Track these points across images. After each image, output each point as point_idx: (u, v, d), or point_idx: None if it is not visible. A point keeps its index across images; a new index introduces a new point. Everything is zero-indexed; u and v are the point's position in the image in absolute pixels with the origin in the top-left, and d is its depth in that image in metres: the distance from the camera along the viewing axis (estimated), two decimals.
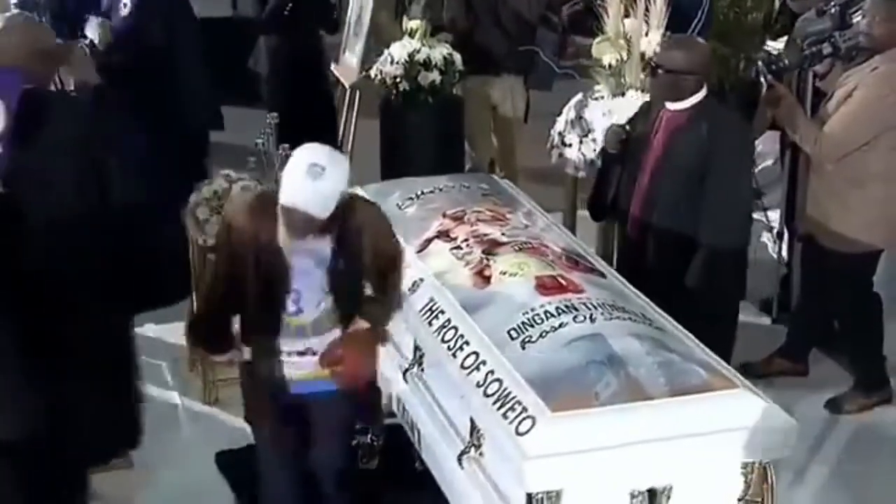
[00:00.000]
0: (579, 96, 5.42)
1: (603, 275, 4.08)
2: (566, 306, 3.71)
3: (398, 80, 6.00)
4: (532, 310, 3.73)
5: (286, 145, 5.76)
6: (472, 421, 3.65)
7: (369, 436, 4.97)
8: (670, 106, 4.50)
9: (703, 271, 4.38)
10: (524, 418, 3.33)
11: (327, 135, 6.48)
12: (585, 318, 3.65)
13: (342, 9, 7.01)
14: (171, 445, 5.02)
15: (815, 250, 5.15)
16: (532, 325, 3.66)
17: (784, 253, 5.97)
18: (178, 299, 5.17)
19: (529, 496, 3.29)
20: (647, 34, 5.26)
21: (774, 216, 7.01)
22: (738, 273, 4.60)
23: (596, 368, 3.44)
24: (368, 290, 3.80)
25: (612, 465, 3.32)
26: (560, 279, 3.88)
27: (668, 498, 3.38)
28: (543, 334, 3.61)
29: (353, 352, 3.69)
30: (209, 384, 5.32)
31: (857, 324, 5.26)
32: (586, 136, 5.24)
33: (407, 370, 4.11)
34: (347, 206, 3.60)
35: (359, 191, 4.24)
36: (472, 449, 3.63)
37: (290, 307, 3.72)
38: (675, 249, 4.45)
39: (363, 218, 3.70)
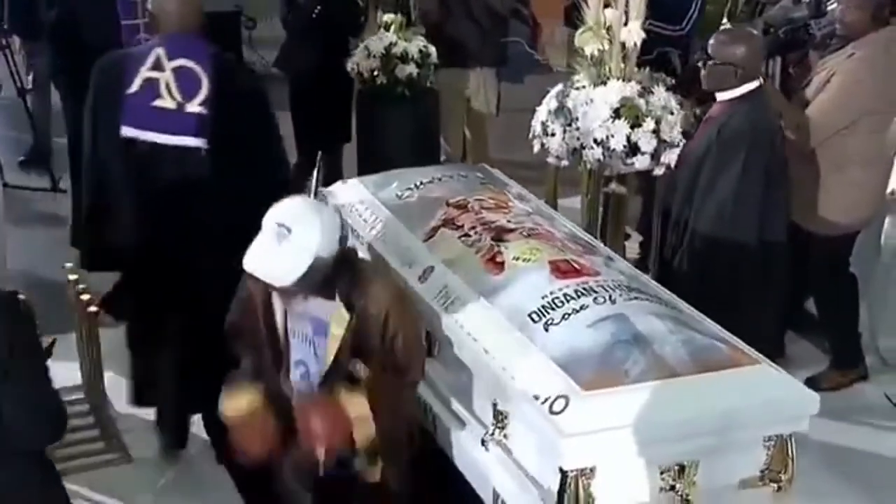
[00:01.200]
0: (560, 86, 5.49)
1: (611, 258, 4.17)
2: (584, 289, 3.78)
3: (375, 73, 6.03)
4: (551, 293, 3.79)
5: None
6: (494, 404, 3.72)
7: None
8: (719, 96, 4.63)
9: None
10: (557, 398, 3.39)
11: (344, 137, 6.53)
12: (605, 299, 3.72)
13: (368, 11, 6.90)
14: None
15: (792, 232, 5.28)
16: (553, 308, 3.73)
17: None
18: None
19: (565, 473, 3.36)
20: (626, 24, 5.34)
21: None
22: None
23: (623, 347, 3.51)
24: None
25: (643, 441, 3.39)
26: (574, 263, 3.95)
27: (696, 472, 3.47)
28: (566, 316, 3.68)
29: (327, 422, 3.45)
30: None
31: (835, 304, 5.41)
32: (570, 125, 5.31)
33: None
34: (346, 266, 3.42)
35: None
36: (497, 431, 3.69)
37: (295, 376, 3.63)
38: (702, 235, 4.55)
39: (370, 284, 3.45)
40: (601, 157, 5.25)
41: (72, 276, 4.83)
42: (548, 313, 3.72)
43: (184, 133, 4.33)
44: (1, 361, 2.94)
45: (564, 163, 5.46)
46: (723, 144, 4.55)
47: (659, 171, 5.30)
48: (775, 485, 3.55)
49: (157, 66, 4.32)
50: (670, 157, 5.24)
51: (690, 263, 4.60)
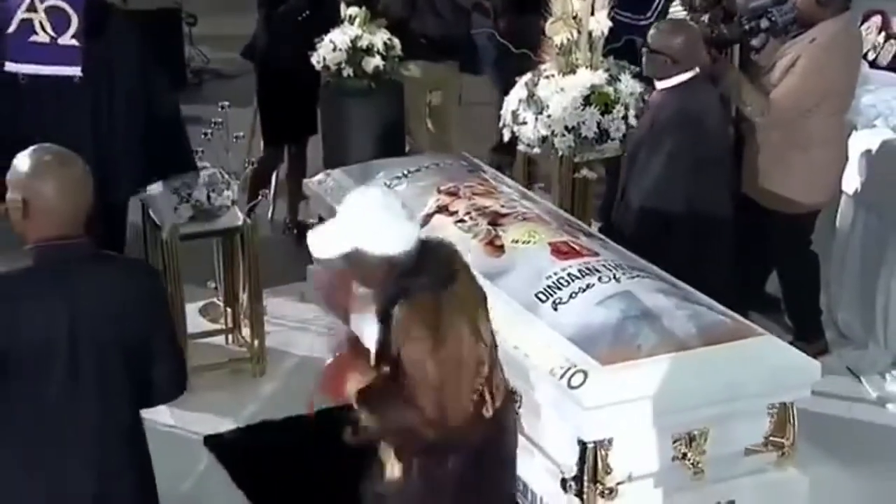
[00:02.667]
0: (528, 76, 5.63)
1: (603, 240, 4.31)
2: (588, 269, 3.93)
3: (341, 66, 6.10)
4: (555, 273, 3.93)
5: (240, 133, 5.86)
6: None
7: None
8: (656, 84, 4.80)
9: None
10: (575, 373, 3.53)
11: (310, 129, 6.58)
12: (610, 278, 3.87)
13: None
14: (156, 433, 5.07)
15: (757, 213, 5.48)
16: (559, 288, 3.86)
17: None
18: None
19: (584, 445, 3.49)
20: (593, 14, 5.48)
21: None
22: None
23: (633, 323, 3.66)
24: None
25: (656, 412, 3.54)
26: (573, 245, 4.09)
27: (706, 440, 3.63)
28: (573, 295, 3.82)
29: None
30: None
31: (799, 281, 5.62)
32: (541, 113, 5.44)
33: None
34: (402, 274, 3.15)
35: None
36: None
37: None
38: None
39: (407, 307, 3.12)
40: (572, 144, 5.39)
41: None
42: (554, 293, 3.85)
43: (59, 63, 4.91)
44: (162, 323, 3.18)
45: (536, 150, 5.59)
46: (655, 131, 4.76)
47: None
48: (778, 450, 3.72)
49: (31, 7, 4.88)
50: None
51: (624, 239, 4.75)
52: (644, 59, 4.87)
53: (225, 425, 5.20)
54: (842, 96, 5.25)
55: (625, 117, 5.37)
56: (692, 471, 3.62)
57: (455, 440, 3.16)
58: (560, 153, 5.49)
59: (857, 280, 5.74)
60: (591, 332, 3.65)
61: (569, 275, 3.90)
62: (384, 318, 3.19)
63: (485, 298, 3.25)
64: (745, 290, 5.70)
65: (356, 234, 3.15)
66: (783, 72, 5.15)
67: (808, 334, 5.66)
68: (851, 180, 5.60)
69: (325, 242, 3.24)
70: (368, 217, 3.17)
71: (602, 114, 5.36)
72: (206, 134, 5.66)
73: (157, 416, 4.88)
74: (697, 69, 4.84)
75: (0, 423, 3.10)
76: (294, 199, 6.89)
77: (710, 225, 4.72)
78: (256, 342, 5.53)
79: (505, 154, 6.71)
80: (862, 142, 5.60)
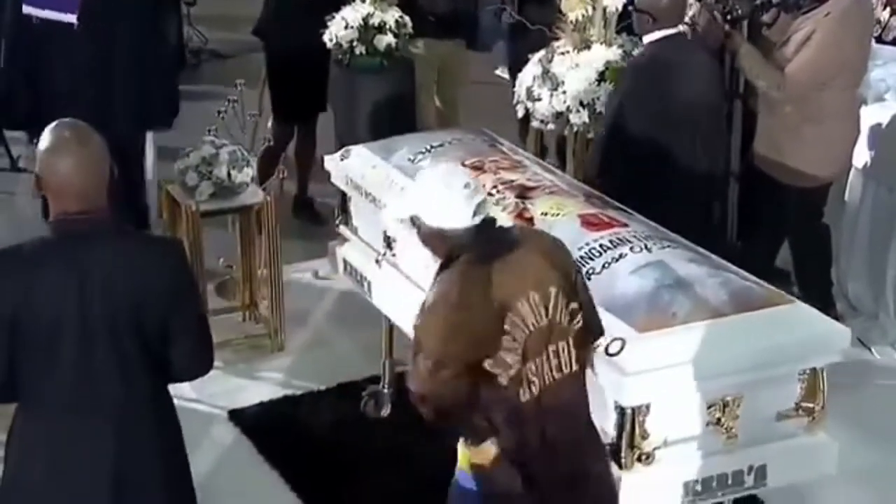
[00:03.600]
0: (542, 52, 5.68)
1: (629, 211, 4.37)
2: (619, 239, 3.99)
3: (353, 43, 6.14)
4: (586, 244, 3.99)
5: (255, 111, 5.91)
6: None
7: (381, 384, 5.19)
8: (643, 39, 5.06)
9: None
10: (612, 340, 3.58)
11: (321, 106, 6.62)
12: (641, 248, 3.93)
13: None
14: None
15: (770, 187, 5.55)
16: (591, 259, 3.92)
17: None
18: None
19: (623, 411, 3.56)
20: None
21: None
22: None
23: (668, 291, 3.73)
24: None
25: (692, 378, 3.60)
26: (602, 216, 4.15)
27: (738, 406, 3.70)
28: (606, 265, 3.88)
29: None
30: None
31: (811, 253, 5.70)
32: (556, 89, 5.51)
33: None
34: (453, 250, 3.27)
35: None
36: None
37: None
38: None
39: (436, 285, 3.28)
40: (587, 120, 5.46)
41: None
42: (587, 263, 3.91)
43: (57, 9, 5.53)
44: (185, 298, 3.22)
45: (551, 126, 5.66)
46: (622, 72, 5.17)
47: None
48: (808, 416, 3.79)
49: None
50: None
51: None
52: (633, 17, 5.09)
53: (248, 400, 5.26)
54: (855, 70, 5.32)
55: None
56: (725, 435, 3.69)
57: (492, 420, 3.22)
58: (575, 129, 5.57)
59: (866, 252, 5.83)
60: (626, 300, 3.71)
61: (600, 245, 3.96)
62: None
63: (557, 282, 3.28)
64: (755, 264, 5.82)
65: (416, 202, 3.30)
66: (798, 46, 5.21)
67: (819, 305, 5.73)
68: (861, 154, 5.68)
69: (395, 205, 3.52)
70: (428, 188, 3.30)
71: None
72: (219, 112, 5.71)
73: (180, 392, 4.96)
74: (680, 28, 5.02)
75: (19, 393, 3.16)
76: (303, 176, 6.93)
77: (671, 183, 4.85)
78: (276, 318, 5.57)
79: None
80: (872, 116, 5.68)
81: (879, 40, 6.33)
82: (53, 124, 3.17)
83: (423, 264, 4.39)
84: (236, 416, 5.15)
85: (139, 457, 3.24)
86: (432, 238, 3.31)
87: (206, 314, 3.45)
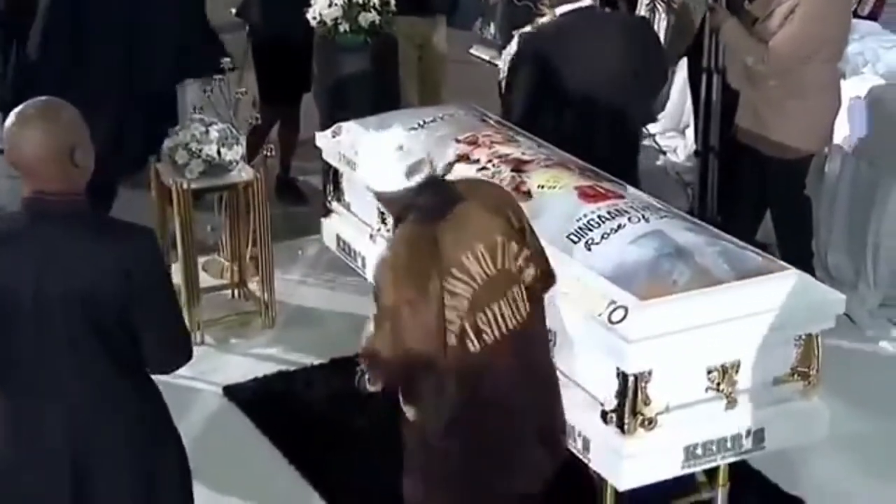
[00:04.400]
0: (527, 28, 5.73)
1: (622, 184, 4.44)
2: (616, 210, 4.05)
3: (337, 21, 6.17)
4: (584, 216, 4.05)
5: (242, 89, 5.93)
6: None
7: None
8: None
9: None
10: (615, 309, 3.66)
11: (306, 86, 6.65)
12: (639, 218, 4.00)
13: None
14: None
15: (752, 160, 5.64)
16: (590, 230, 3.99)
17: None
18: None
19: (626, 377, 3.64)
20: None
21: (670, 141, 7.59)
22: None
23: (667, 260, 3.80)
24: None
25: (692, 345, 3.69)
26: (598, 188, 4.21)
27: (737, 371, 3.78)
28: (605, 236, 3.95)
29: None
30: (196, 325, 5.46)
31: (793, 224, 5.80)
32: None
33: None
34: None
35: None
36: None
37: None
38: None
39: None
40: None
41: None
42: (586, 234, 3.98)
43: None
44: (150, 290, 3.10)
45: None
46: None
47: None
48: (804, 380, 3.88)
49: None
50: None
51: None
52: None
53: (242, 376, 5.31)
54: (837, 43, 5.41)
55: None
56: (725, 400, 3.77)
57: (439, 371, 3.36)
58: None
59: (846, 224, 5.94)
60: (627, 269, 3.78)
61: (598, 216, 4.03)
62: None
63: (503, 230, 3.44)
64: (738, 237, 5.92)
65: (362, 171, 3.60)
66: (781, 20, 5.29)
67: None
68: (841, 127, 5.77)
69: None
70: (365, 156, 3.59)
71: None
72: (206, 90, 5.73)
73: None
74: (591, 1, 5.15)
75: None
76: (286, 156, 6.96)
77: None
78: (266, 294, 5.61)
79: None
80: (851, 89, 5.78)
81: (855, 14, 6.43)
82: (23, 104, 3.07)
83: None
84: (231, 391, 5.19)
85: (97, 443, 3.15)
86: (382, 202, 3.57)
87: (177, 305, 3.34)
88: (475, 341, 3.37)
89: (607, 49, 5.08)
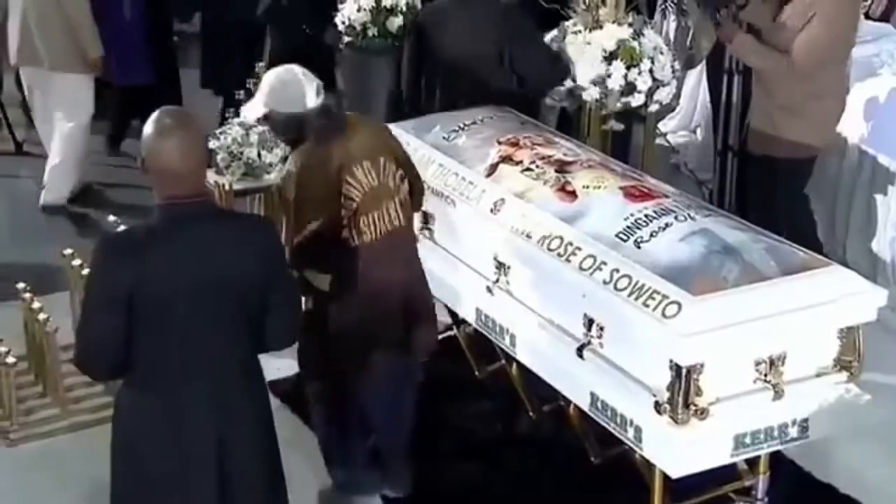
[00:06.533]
0: (554, 32, 5.88)
1: (664, 185, 4.60)
2: (662, 209, 4.21)
3: (366, 25, 6.31)
4: (631, 215, 4.21)
5: None
6: (586, 316, 4.12)
7: None
8: None
9: None
10: (668, 304, 3.81)
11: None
12: (686, 217, 4.16)
13: None
14: None
15: (760, 168, 5.77)
16: (638, 228, 4.14)
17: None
18: None
19: (679, 370, 3.79)
20: None
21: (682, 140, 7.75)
22: None
23: (717, 257, 3.96)
24: None
25: (741, 338, 3.84)
26: (642, 188, 4.37)
27: (783, 363, 3.94)
28: (654, 234, 4.10)
29: None
30: None
31: (801, 220, 5.93)
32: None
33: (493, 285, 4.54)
34: None
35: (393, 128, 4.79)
36: (593, 340, 4.10)
37: None
38: None
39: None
40: (598, 97, 5.67)
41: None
42: (635, 232, 4.13)
43: None
44: (280, 272, 3.49)
45: (565, 103, 5.87)
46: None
47: (653, 108, 5.77)
48: (847, 371, 4.05)
49: None
50: (661, 94, 5.72)
51: None
52: None
53: (284, 371, 5.42)
54: (850, 44, 5.56)
55: (650, 70, 5.66)
56: (772, 391, 3.93)
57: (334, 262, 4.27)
58: (588, 106, 5.78)
59: (863, 219, 6.10)
60: (678, 266, 3.94)
61: (645, 215, 4.18)
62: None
63: (385, 153, 4.31)
64: None
65: (269, 98, 4.18)
66: (797, 27, 5.37)
67: None
68: (858, 126, 5.94)
69: (249, 109, 4.32)
70: (277, 82, 4.19)
71: (627, 67, 5.64)
72: (237, 95, 5.87)
73: None
74: None
75: (133, 366, 3.35)
76: None
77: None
78: None
79: None
80: (868, 90, 5.94)
81: (867, 16, 6.61)
82: (156, 112, 3.36)
83: (459, 238, 4.65)
84: (274, 386, 5.28)
85: (237, 417, 3.47)
86: (284, 126, 4.23)
87: (298, 288, 3.63)
88: (356, 238, 4.23)
89: (475, 28, 5.47)
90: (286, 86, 4.19)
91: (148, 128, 3.32)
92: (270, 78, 4.24)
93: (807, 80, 5.47)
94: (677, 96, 7.79)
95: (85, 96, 7.00)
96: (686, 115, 7.95)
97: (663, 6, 7.49)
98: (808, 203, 5.93)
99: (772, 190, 5.79)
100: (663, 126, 7.43)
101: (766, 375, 3.93)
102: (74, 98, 6.95)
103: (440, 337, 4.79)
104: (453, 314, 5.16)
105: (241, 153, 5.47)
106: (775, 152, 5.64)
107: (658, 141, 7.29)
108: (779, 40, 5.48)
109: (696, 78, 7.65)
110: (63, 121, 6.99)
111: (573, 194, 4.40)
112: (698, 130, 7.78)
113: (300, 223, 4.18)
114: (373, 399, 4.48)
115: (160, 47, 7.50)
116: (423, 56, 5.62)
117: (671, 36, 7.74)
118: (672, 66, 5.78)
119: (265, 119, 4.27)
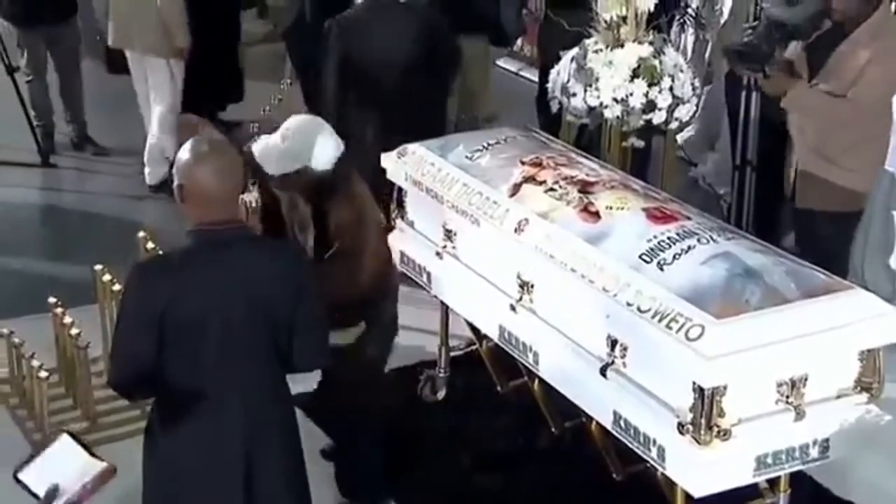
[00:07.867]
0: (576, 50, 5.94)
1: (684, 205, 4.66)
2: (685, 231, 4.27)
3: None
4: (654, 237, 4.27)
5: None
6: (610, 337, 4.18)
7: (436, 369, 5.47)
8: None
9: None
10: (692, 326, 3.87)
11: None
12: (708, 240, 4.21)
13: None
14: None
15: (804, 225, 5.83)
16: (661, 250, 4.20)
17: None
18: None
19: (702, 392, 3.85)
20: None
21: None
22: None
23: (739, 280, 4.02)
24: None
25: (763, 361, 3.90)
26: (665, 210, 4.43)
27: (805, 385, 4.00)
28: (677, 256, 4.16)
29: None
30: None
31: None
32: (590, 85, 5.77)
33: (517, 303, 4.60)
34: None
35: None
36: (617, 360, 4.16)
37: None
38: None
39: None
40: (619, 115, 5.73)
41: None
42: (658, 254, 4.19)
43: None
44: (307, 295, 3.55)
45: (585, 120, 5.93)
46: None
47: (674, 125, 5.83)
48: (867, 392, 4.10)
49: None
50: (682, 112, 5.78)
51: None
52: None
53: (307, 385, 5.49)
54: None
55: (671, 88, 5.72)
56: (793, 412, 3.98)
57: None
58: (609, 123, 5.84)
59: (882, 239, 6.12)
60: (701, 289, 3.99)
61: (668, 238, 4.24)
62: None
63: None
64: None
65: (313, 153, 4.46)
66: (855, 74, 5.43)
67: None
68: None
69: (279, 163, 4.50)
70: (316, 139, 4.49)
71: (649, 85, 5.70)
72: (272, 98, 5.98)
73: None
74: None
75: (164, 387, 3.43)
76: None
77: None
78: None
79: None
80: None
81: None
82: (191, 139, 3.46)
83: (482, 256, 4.71)
84: (298, 399, 5.36)
85: (265, 439, 3.56)
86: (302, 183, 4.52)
87: (324, 313, 3.72)
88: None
89: (396, 34, 6.09)
90: (329, 140, 4.58)
91: (184, 154, 3.39)
92: (305, 132, 4.57)
93: (869, 121, 5.50)
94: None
95: (171, 81, 7.45)
96: (703, 130, 7.99)
97: (681, 20, 7.55)
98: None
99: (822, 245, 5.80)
100: (679, 139, 7.48)
101: (787, 397, 3.99)
102: (162, 82, 7.41)
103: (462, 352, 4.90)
104: (475, 329, 5.22)
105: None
106: (827, 205, 5.71)
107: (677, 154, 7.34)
108: (835, 84, 5.50)
109: (713, 94, 7.69)
110: (154, 103, 7.51)
111: (596, 215, 4.46)
112: (716, 144, 7.83)
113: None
114: None
115: None
116: (348, 64, 6.10)
117: (689, 49, 7.83)
118: (692, 84, 5.84)
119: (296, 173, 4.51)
